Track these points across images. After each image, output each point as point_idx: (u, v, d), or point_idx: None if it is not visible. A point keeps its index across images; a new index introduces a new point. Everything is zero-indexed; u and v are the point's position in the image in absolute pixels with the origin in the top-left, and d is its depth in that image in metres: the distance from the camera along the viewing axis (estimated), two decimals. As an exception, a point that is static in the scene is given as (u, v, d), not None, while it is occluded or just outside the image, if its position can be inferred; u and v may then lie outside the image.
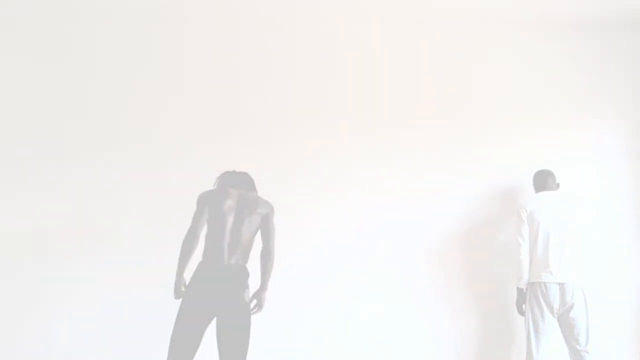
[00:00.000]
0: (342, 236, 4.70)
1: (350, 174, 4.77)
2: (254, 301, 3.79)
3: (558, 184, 4.65)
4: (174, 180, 4.55)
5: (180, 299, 3.69)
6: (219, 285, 3.64)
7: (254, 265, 3.81)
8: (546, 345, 4.35)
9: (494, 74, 5.05)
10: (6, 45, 4.69)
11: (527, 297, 4.41)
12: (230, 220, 3.77)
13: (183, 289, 3.73)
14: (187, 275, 3.73)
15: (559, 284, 4.33)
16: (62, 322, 4.39)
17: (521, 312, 4.45)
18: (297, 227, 4.53)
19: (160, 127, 4.68)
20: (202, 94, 4.78)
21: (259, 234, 3.88)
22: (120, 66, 4.75)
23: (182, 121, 4.69)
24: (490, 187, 4.87)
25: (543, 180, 4.63)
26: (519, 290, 4.44)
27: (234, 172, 3.96)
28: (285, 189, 4.54)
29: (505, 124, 4.97)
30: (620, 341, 4.81)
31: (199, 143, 4.65)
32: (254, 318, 3.74)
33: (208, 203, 3.81)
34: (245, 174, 3.96)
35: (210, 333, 3.65)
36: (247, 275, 3.76)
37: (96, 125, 4.64)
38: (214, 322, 3.68)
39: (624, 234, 4.96)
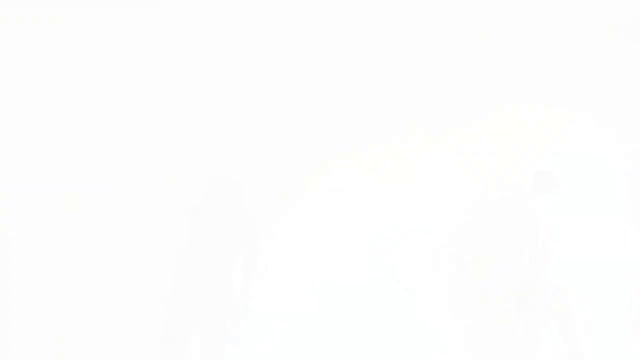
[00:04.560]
0: (341, 240, 4.71)
1: (348, 176, 4.77)
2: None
3: (559, 183, 4.65)
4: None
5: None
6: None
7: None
8: (547, 345, 4.36)
9: (494, 73, 5.04)
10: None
11: (527, 297, 4.42)
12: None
13: None
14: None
15: (560, 284, 4.34)
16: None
17: (521, 312, 4.46)
18: (300, 239, 4.65)
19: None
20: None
21: None
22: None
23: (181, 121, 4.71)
24: (491, 187, 4.87)
25: (544, 180, 4.63)
26: (520, 290, 4.44)
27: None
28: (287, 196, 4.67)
29: (506, 123, 4.96)
30: (621, 341, 4.82)
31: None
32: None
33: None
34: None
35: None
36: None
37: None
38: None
39: (625, 234, 4.96)
